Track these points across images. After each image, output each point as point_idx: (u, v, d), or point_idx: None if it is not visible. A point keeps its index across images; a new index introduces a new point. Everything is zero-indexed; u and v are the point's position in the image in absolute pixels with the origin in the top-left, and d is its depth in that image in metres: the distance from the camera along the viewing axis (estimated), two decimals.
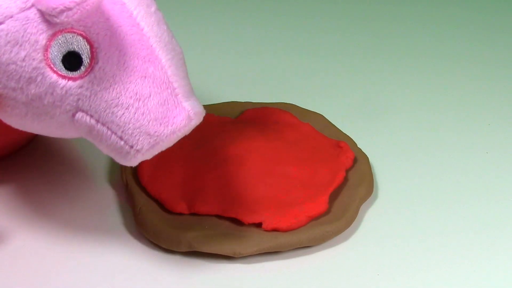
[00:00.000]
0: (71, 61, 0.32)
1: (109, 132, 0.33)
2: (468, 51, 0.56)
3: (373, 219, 0.40)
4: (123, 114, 0.32)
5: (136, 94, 0.32)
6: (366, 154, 0.45)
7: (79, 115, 0.33)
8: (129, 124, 0.32)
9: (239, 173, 0.40)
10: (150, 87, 0.32)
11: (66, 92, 0.32)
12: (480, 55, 0.56)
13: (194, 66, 0.53)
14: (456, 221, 0.40)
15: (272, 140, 0.43)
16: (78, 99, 0.32)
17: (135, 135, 0.32)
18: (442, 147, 0.46)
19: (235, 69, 0.53)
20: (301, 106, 0.49)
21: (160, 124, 0.32)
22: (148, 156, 0.33)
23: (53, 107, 0.33)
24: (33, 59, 0.32)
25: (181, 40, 0.56)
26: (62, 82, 0.32)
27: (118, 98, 0.32)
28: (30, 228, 0.38)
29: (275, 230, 0.38)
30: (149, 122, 0.32)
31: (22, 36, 0.32)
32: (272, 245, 0.37)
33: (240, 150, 0.42)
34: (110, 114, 0.32)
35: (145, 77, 0.32)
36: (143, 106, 0.32)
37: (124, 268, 0.36)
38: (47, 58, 0.32)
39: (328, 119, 0.47)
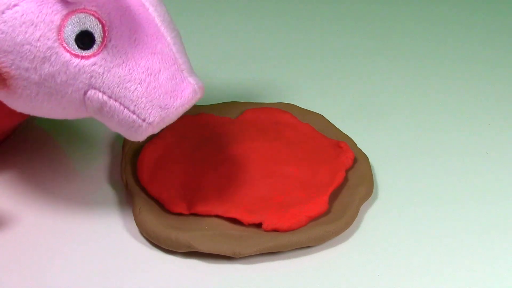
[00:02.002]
0: (84, 40, 0.33)
1: (121, 107, 0.34)
2: (468, 51, 0.56)
3: (373, 219, 0.40)
4: (135, 89, 0.34)
5: (148, 69, 0.34)
6: (366, 154, 0.45)
7: (91, 92, 0.34)
8: (142, 98, 0.34)
9: (239, 173, 0.40)
10: (159, 62, 0.34)
11: (79, 70, 0.33)
12: (480, 55, 0.56)
13: (194, 66, 0.53)
14: (456, 221, 0.40)
15: (272, 140, 0.43)
16: (91, 77, 0.33)
17: (148, 109, 0.34)
18: (442, 147, 0.46)
19: (235, 69, 0.53)
20: (301, 106, 0.49)
21: (171, 98, 0.34)
22: (157, 129, 0.34)
23: (65, 85, 0.34)
24: (48, 38, 0.33)
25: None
26: (76, 60, 0.33)
27: (131, 73, 0.34)
28: (28, 228, 0.38)
29: (275, 230, 0.38)
30: (160, 96, 0.34)
31: (37, 16, 0.33)
32: (272, 245, 0.37)
33: (240, 150, 0.42)
34: (123, 90, 0.34)
35: (155, 53, 0.34)
36: (155, 80, 0.34)
37: (124, 268, 0.36)
38: (61, 37, 0.33)
39: (328, 119, 0.47)
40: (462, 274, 0.37)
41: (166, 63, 0.34)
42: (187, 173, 0.40)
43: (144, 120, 0.34)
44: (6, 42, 0.33)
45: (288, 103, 0.47)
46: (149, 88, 0.34)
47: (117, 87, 0.34)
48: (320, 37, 0.57)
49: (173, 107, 0.34)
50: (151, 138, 0.43)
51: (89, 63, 0.33)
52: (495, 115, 0.49)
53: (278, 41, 0.56)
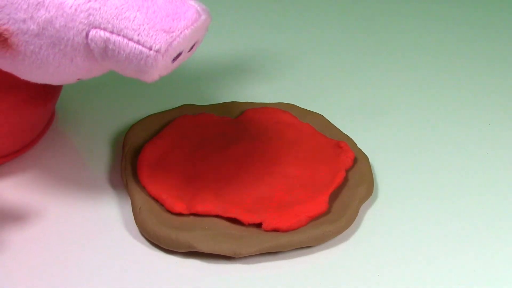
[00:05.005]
0: None
1: (125, 40, 0.33)
2: (468, 51, 0.56)
3: (373, 219, 0.40)
4: (135, 16, 0.33)
5: None
6: (366, 154, 0.45)
7: (92, 32, 0.33)
8: (143, 25, 0.33)
9: (239, 173, 0.40)
10: None
11: (76, 10, 0.33)
12: (480, 55, 0.56)
13: (194, 66, 0.53)
14: (456, 221, 0.40)
15: (272, 140, 0.43)
16: (89, 15, 0.33)
17: (152, 35, 0.33)
18: (442, 147, 0.46)
19: (235, 69, 0.53)
20: (301, 106, 0.49)
21: (173, 20, 0.33)
22: (168, 58, 0.33)
23: (66, 30, 0.33)
24: None
25: None
26: (70, 1, 0.33)
27: (127, 2, 0.33)
28: (27, 231, 0.38)
29: (275, 230, 0.38)
30: (162, 19, 0.33)
31: None
32: (272, 245, 0.37)
33: (240, 150, 0.42)
34: (123, 20, 0.33)
35: None
36: (153, 4, 0.33)
37: (124, 268, 0.36)
38: None
39: (328, 119, 0.47)
40: (462, 273, 0.37)
41: None
42: (187, 173, 0.40)
43: (150, 49, 0.33)
44: None
45: (288, 103, 0.47)
46: (149, 13, 0.33)
47: (117, 19, 0.33)
48: (320, 37, 0.57)
49: (178, 30, 0.33)
50: (151, 138, 0.43)
51: (83, 1, 0.33)
52: (495, 115, 0.49)
53: (279, 41, 0.56)
